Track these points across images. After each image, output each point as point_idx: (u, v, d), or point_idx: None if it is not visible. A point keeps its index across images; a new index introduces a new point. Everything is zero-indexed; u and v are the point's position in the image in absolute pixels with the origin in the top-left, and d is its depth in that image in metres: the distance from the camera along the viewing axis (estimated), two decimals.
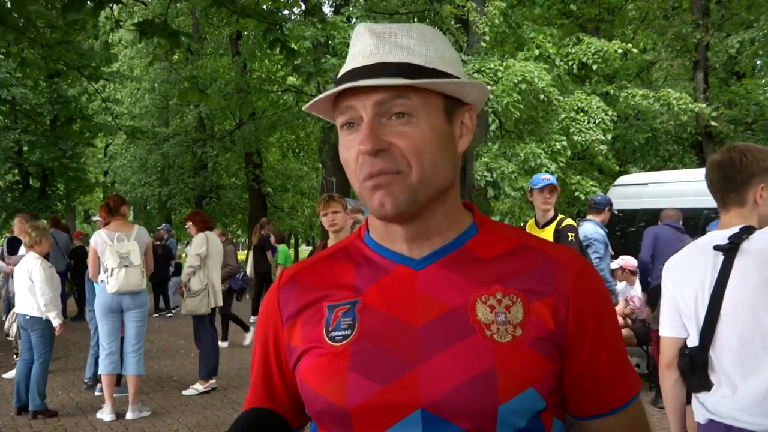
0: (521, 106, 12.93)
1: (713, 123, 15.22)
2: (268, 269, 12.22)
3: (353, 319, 1.03)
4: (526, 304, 1.01)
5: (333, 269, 1.11)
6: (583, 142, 13.80)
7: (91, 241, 6.13)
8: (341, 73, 1.04)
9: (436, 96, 1.02)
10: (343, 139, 1.03)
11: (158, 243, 13.92)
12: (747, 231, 2.05)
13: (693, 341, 2.13)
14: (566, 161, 14.08)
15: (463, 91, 1.05)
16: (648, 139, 17.09)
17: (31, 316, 5.99)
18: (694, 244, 2.22)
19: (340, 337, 1.02)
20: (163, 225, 16.44)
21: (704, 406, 2.08)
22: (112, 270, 5.85)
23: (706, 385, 2.08)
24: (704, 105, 14.88)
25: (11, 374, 7.74)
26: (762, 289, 1.95)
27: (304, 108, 1.07)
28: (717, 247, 2.07)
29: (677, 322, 2.18)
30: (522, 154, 13.36)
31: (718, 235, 2.12)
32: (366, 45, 1.02)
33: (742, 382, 1.99)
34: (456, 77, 1.03)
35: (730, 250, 2.04)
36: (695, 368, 2.11)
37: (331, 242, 4.77)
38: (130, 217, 26.76)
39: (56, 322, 5.95)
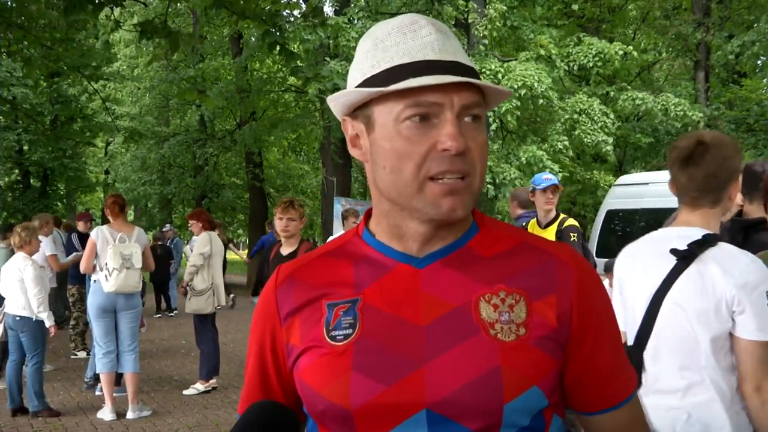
0: (518, 113, 12.96)
1: (708, 129, 15.22)
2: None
3: (354, 317, 1.02)
4: (529, 303, 1.01)
5: (331, 267, 1.09)
6: (590, 143, 13.84)
7: (92, 234, 6.10)
8: (397, 58, 0.98)
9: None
10: (407, 131, 0.97)
11: (159, 243, 13.92)
12: (710, 242, 1.89)
13: (629, 339, 2.03)
14: (569, 161, 14.11)
15: None
16: (651, 142, 17.10)
17: (21, 317, 5.93)
18: (650, 238, 2.08)
19: (342, 337, 1.01)
20: (168, 226, 16.41)
21: None
22: (113, 270, 5.85)
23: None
24: (701, 114, 14.82)
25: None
26: (704, 303, 1.85)
27: (374, 91, 0.98)
28: (673, 251, 1.93)
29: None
30: (524, 158, 13.34)
31: (675, 233, 1.99)
32: (432, 38, 0.99)
33: (661, 385, 1.92)
34: None
35: (685, 258, 1.90)
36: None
37: (283, 248, 5.02)
38: (131, 217, 26.78)
39: (48, 323, 5.90)
